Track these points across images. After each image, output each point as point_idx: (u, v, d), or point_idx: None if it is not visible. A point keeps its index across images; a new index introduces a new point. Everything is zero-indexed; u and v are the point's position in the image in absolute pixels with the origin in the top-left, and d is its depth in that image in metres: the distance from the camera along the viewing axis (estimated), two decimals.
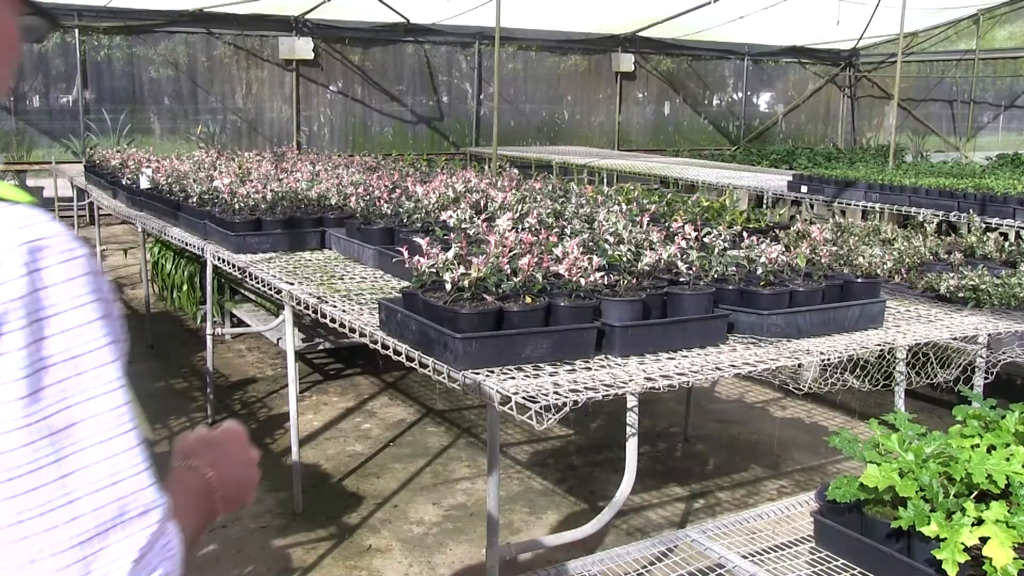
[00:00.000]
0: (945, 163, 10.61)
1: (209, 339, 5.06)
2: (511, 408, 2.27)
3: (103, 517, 0.85)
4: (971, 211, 6.04)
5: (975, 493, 2.04)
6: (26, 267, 0.84)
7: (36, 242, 0.85)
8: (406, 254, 2.78)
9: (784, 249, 3.22)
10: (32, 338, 0.84)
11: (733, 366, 2.62)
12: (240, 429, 1.26)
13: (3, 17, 0.98)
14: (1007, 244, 4.16)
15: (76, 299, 0.88)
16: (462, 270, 2.60)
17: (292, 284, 3.52)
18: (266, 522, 3.89)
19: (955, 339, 3.16)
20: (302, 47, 12.79)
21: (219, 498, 1.17)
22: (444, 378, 2.51)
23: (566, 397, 2.29)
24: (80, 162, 10.00)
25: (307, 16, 12.69)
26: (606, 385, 2.39)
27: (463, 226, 3.37)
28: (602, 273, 2.72)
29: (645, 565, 2.33)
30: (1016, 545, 1.89)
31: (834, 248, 3.40)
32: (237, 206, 4.68)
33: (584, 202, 4.38)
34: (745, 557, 2.26)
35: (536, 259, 2.73)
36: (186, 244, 5.09)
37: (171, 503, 0.92)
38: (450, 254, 2.69)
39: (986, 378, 3.29)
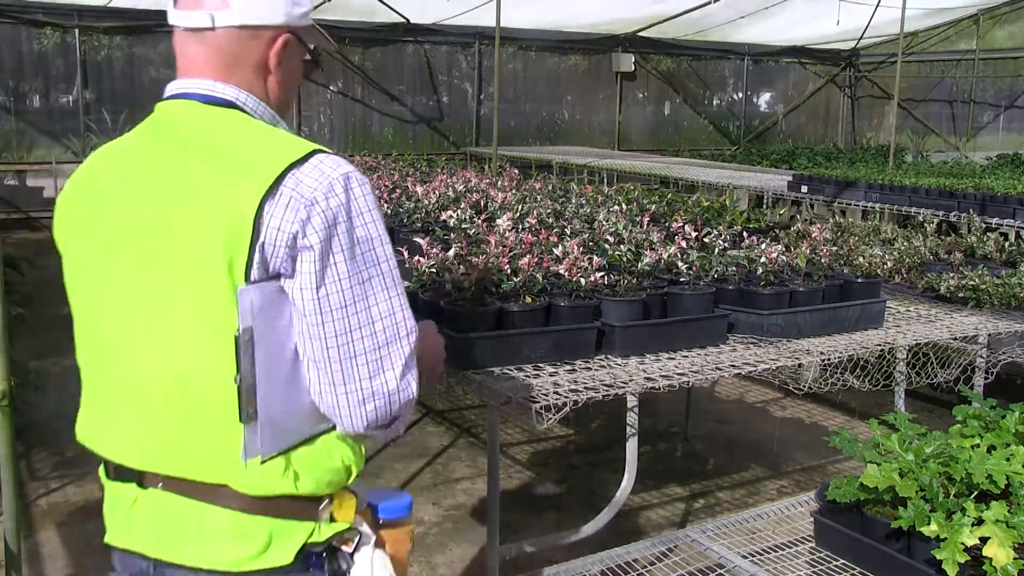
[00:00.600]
0: (945, 163, 10.61)
1: None
2: (511, 408, 2.27)
3: (389, 333, 1.42)
4: (971, 211, 6.04)
5: (975, 493, 2.04)
6: (344, 188, 1.39)
7: (348, 173, 1.40)
8: (406, 254, 2.78)
9: (784, 249, 3.22)
10: (349, 226, 1.38)
11: (733, 366, 2.62)
12: (432, 322, 1.76)
13: (296, 62, 1.62)
14: (1007, 244, 4.16)
15: (370, 208, 1.41)
16: (463, 270, 2.60)
17: None
18: None
19: (955, 339, 3.16)
20: None
21: (424, 363, 1.58)
22: (444, 378, 2.51)
23: (566, 397, 2.29)
24: (80, 162, 10.01)
25: None
26: (606, 385, 2.39)
27: (463, 226, 3.38)
28: (602, 273, 2.73)
29: (645, 565, 2.33)
30: (1016, 545, 1.89)
31: (834, 248, 3.40)
32: None
33: (584, 202, 4.39)
34: (745, 557, 2.26)
35: (536, 259, 2.73)
36: None
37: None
38: (450, 253, 2.69)
39: (986, 378, 3.28)
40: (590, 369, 2.54)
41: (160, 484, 1.44)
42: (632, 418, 2.50)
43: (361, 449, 1.51)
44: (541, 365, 2.54)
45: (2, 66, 11.43)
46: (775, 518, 2.49)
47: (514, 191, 4.46)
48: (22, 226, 11.68)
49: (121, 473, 1.50)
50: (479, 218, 3.62)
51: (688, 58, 16.20)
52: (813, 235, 3.45)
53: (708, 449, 4.90)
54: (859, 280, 3.16)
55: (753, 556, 2.27)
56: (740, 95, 17.04)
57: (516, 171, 5.57)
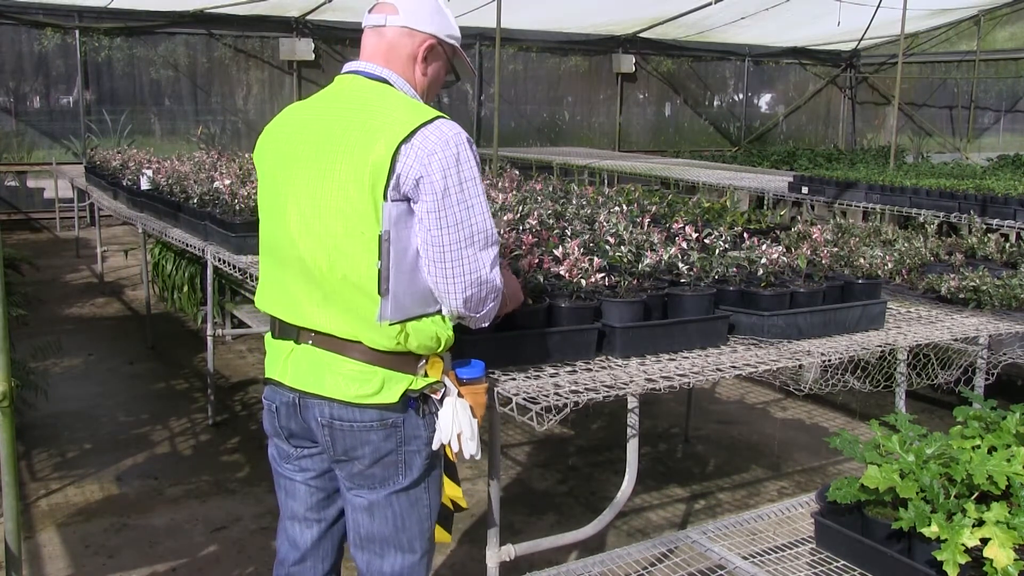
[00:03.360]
0: (946, 164, 10.61)
1: (210, 340, 5.06)
2: (512, 409, 2.27)
3: (482, 241, 2.02)
4: (972, 212, 6.04)
5: (976, 494, 2.04)
6: (456, 144, 1.99)
7: (459, 133, 2.01)
8: None
9: (785, 250, 3.22)
10: (458, 170, 1.98)
11: (734, 367, 2.62)
12: (508, 266, 2.50)
13: (438, 64, 2.22)
14: (1008, 245, 4.16)
15: (471, 158, 2.01)
16: None
17: None
18: (267, 523, 3.89)
19: (956, 340, 3.16)
20: (303, 48, 12.80)
21: (505, 294, 2.19)
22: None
23: (567, 398, 2.29)
24: (81, 163, 10.01)
25: (307, 17, 12.70)
26: (607, 386, 2.39)
27: None
28: (603, 274, 2.72)
29: (646, 566, 2.33)
30: (1017, 546, 1.89)
31: (835, 249, 3.40)
32: (238, 207, 4.68)
33: (585, 203, 4.38)
34: (746, 558, 2.26)
35: (537, 260, 2.73)
36: (187, 245, 5.09)
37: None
38: None
39: (987, 379, 3.28)
40: (591, 370, 2.54)
41: (311, 340, 2.08)
42: (633, 419, 2.50)
43: (450, 331, 2.09)
44: (542, 366, 2.54)
45: (3, 67, 11.43)
46: (776, 519, 2.48)
47: (515, 192, 4.46)
48: (22, 227, 11.69)
49: (284, 331, 2.13)
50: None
51: (689, 59, 16.21)
52: (814, 236, 3.45)
53: (709, 450, 4.90)
54: (860, 281, 3.16)
55: (754, 557, 2.27)
56: (741, 96, 17.04)
57: (517, 172, 5.56)
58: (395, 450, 2.08)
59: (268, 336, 2.21)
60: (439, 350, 2.08)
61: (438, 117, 2.00)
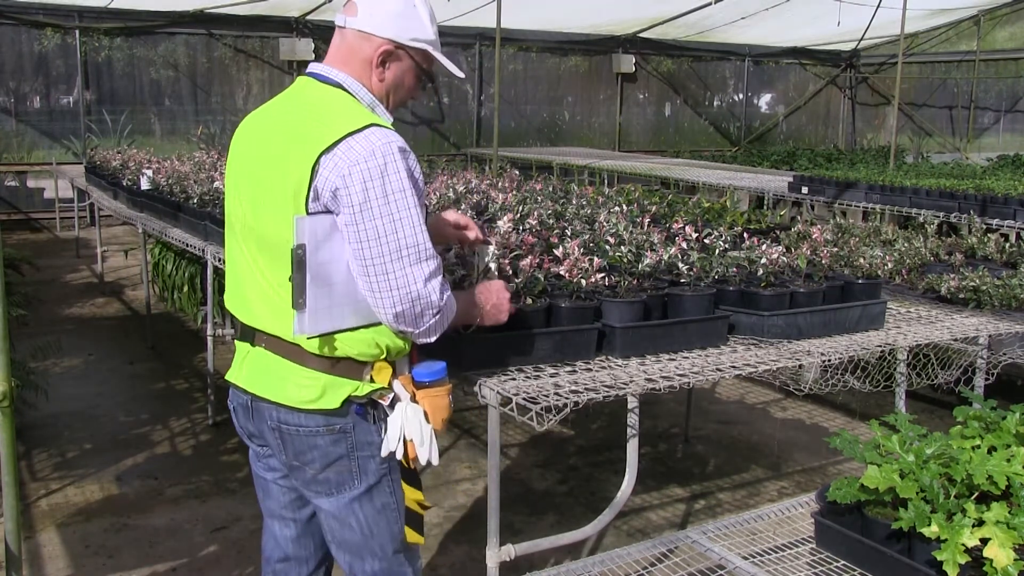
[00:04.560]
0: (946, 164, 10.61)
1: (210, 340, 5.06)
2: (512, 409, 2.27)
3: (414, 256, 1.93)
4: (972, 212, 6.04)
5: (976, 494, 2.04)
6: (383, 153, 1.90)
7: (390, 143, 1.92)
8: None
9: (785, 250, 3.22)
10: (384, 181, 1.89)
11: (734, 367, 2.62)
12: (502, 282, 2.36)
13: (401, 71, 2.13)
14: (1008, 245, 4.16)
15: (399, 169, 1.91)
16: (463, 272, 2.60)
17: None
18: None
19: (956, 340, 3.16)
20: (303, 48, 12.79)
21: (481, 309, 2.24)
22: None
23: (567, 398, 2.29)
24: (81, 163, 10.01)
25: (307, 17, 12.69)
26: (607, 386, 2.39)
27: (474, 251, 3.37)
28: (603, 274, 2.72)
29: (645, 566, 2.33)
30: (1017, 546, 1.89)
31: (835, 249, 3.40)
32: None
33: (585, 203, 4.38)
34: (746, 558, 2.26)
35: (537, 260, 2.73)
36: (187, 245, 5.09)
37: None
38: (451, 255, 2.69)
39: (987, 379, 3.28)
40: (591, 370, 2.54)
41: (263, 344, 2.07)
42: (633, 419, 2.50)
43: (398, 340, 2.05)
44: (542, 366, 2.54)
45: (3, 67, 11.43)
46: (776, 519, 2.48)
47: (515, 192, 4.46)
48: (22, 227, 11.68)
49: (244, 334, 2.14)
50: (480, 219, 3.62)
51: (689, 59, 16.20)
52: (814, 236, 3.45)
53: (709, 450, 4.90)
54: (860, 281, 3.16)
55: (754, 557, 2.27)
56: (741, 96, 17.04)
57: (517, 172, 5.56)
58: (346, 455, 2.05)
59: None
60: (384, 357, 2.05)
61: (371, 125, 1.93)
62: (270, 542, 2.34)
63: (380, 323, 2.01)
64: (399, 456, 2.04)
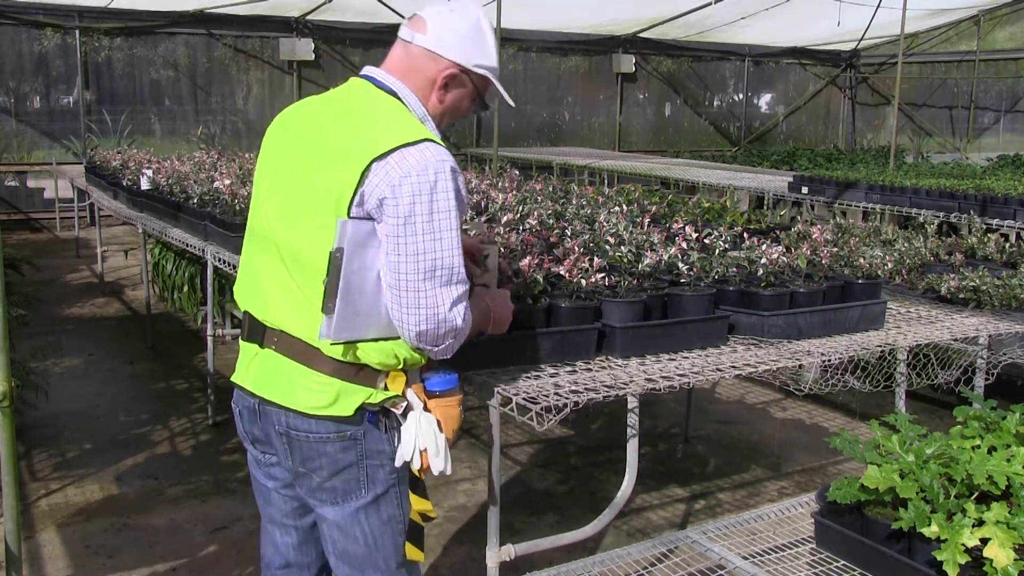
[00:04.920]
0: (946, 164, 10.61)
1: (210, 340, 5.06)
2: (512, 409, 2.27)
3: (445, 278, 1.91)
4: (972, 212, 6.04)
5: (976, 494, 2.04)
6: (435, 171, 1.88)
7: (443, 161, 1.90)
8: None
9: (785, 250, 3.22)
10: (432, 199, 1.87)
11: (734, 367, 2.62)
12: (507, 292, 2.38)
13: (461, 94, 2.11)
14: (1008, 245, 4.16)
15: (448, 189, 1.89)
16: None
17: None
18: None
19: (956, 340, 3.15)
20: (303, 48, 12.79)
21: (491, 318, 2.25)
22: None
23: (567, 398, 2.29)
24: (81, 163, 10.01)
25: (308, 17, 12.69)
26: (607, 386, 2.39)
27: (464, 227, 3.37)
28: (603, 274, 2.72)
29: (645, 566, 2.33)
30: (1017, 546, 1.89)
31: (835, 249, 3.40)
32: (238, 207, 4.68)
33: (585, 203, 4.38)
34: (746, 558, 2.26)
35: (537, 260, 2.73)
36: (187, 245, 5.09)
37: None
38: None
39: (987, 379, 3.28)
40: (591, 370, 2.54)
41: (274, 345, 2.02)
42: (633, 419, 2.50)
43: (414, 352, 2.01)
44: (542, 366, 2.54)
45: (3, 67, 11.43)
46: (776, 519, 2.48)
47: (515, 192, 4.46)
48: (22, 227, 11.69)
49: (252, 332, 2.08)
50: (480, 219, 3.62)
51: (689, 59, 16.20)
52: (814, 236, 3.45)
53: (709, 450, 4.90)
54: (860, 281, 3.16)
55: (754, 557, 2.27)
56: (741, 96, 17.04)
57: (517, 172, 5.56)
58: (355, 463, 2.01)
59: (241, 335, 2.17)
60: (400, 367, 2.01)
61: (425, 140, 1.91)
62: (270, 548, 2.28)
63: (399, 337, 1.97)
64: (415, 466, 2.01)
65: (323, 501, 2.07)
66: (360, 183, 1.86)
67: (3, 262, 2.09)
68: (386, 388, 2.00)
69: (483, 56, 2.08)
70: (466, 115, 2.20)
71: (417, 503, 2.10)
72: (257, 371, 2.06)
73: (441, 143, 1.95)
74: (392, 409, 2.00)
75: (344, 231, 1.86)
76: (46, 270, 8.87)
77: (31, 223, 11.82)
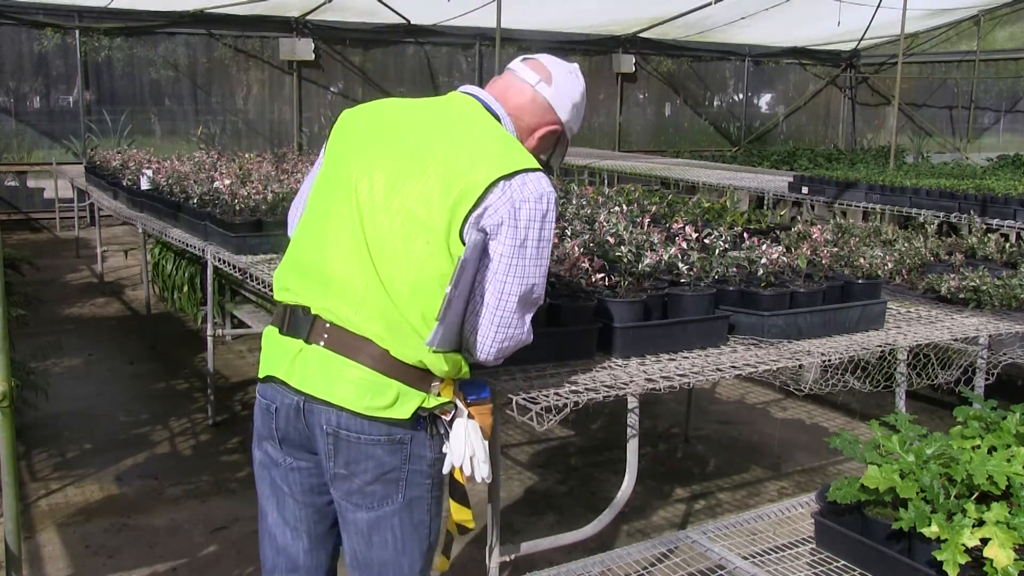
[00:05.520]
0: (946, 164, 10.61)
1: (210, 340, 5.06)
2: (512, 409, 2.27)
3: (532, 301, 2.02)
4: (972, 212, 6.04)
5: (976, 494, 2.04)
6: (547, 201, 1.94)
7: (552, 192, 1.96)
8: None
9: (785, 250, 3.22)
10: (542, 226, 1.94)
11: (734, 367, 2.62)
12: None
13: (548, 143, 2.22)
14: (1008, 245, 4.16)
15: (552, 219, 1.95)
16: None
17: None
18: None
19: (956, 340, 3.16)
20: (303, 48, 12.79)
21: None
22: None
23: (567, 398, 2.29)
24: (81, 163, 10.00)
25: (308, 17, 12.69)
26: (607, 386, 2.39)
27: None
28: (603, 274, 2.72)
29: (645, 566, 2.33)
30: (1017, 546, 1.89)
31: (835, 249, 3.40)
32: (238, 207, 4.68)
33: (585, 203, 4.39)
34: (746, 558, 2.26)
35: None
36: (187, 245, 5.09)
37: None
38: None
39: (987, 379, 3.28)
40: (591, 370, 2.54)
41: (323, 341, 1.97)
42: (633, 419, 2.50)
43: (467, 363, 2.06)
44: (542, 366, 2.54)
45: (3, 67, 11.43)
46: (776, 519, 2.48)
47: None
48: (22, 227, 11.69)
49: (295, 326, 2.01)
50: None
51: (689, 59, 16.20)
52: (814, 236, 3.45)
53: (709, 450, 4.90)
54: (860, 281, 3.16)
55: (754, 557, 2.27)
56: (741, 96, 17.04)
57: None
58: (399, 467, 1.99)
59: (270, 330, 2.08)
60: (455, 375, 2.03)
61: (540, 169, 1.98)
62: (271, 551, 2.18)
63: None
64: (467, 472, 2.01)
65: (358, 505, 2.02)
66: (484, 196, 1.89)
67: (3, 262, 2.09)
68: (439, 394, 2.00)
69: (576, 122, 2.22)
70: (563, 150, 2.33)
71: (457, 511, 2.11)
72: (304, 367, 1.98)
73: (544, 171, 2.02)
74: (441, 416, 2.01)
75: (472, 239, 1.90)
76: (46, 270, 8.87)
77: (31, 223, 11.82)
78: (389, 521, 2.02)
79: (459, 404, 2.02)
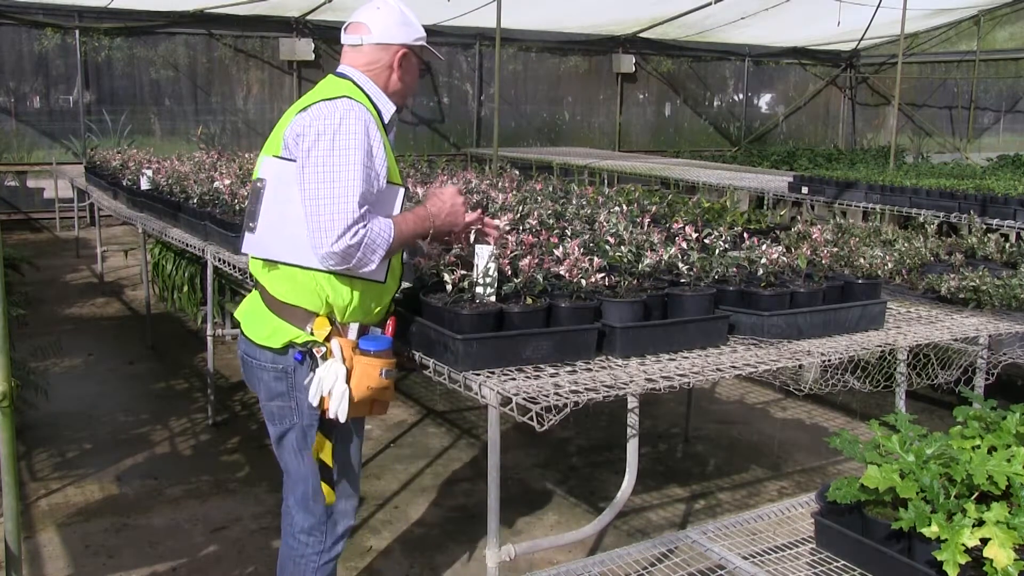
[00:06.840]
0: (946, 164, 10.61)
1: (210, 340, 5.06)
2: (512, 409, 2.27)
3: (344, 202, 2.28)
4: (972, 212, 6.04)
5: (976, 494, 2.04)
6: (341, 118, 2.32)
7: (350, 111, 2.32)
8: (406, 255, 2.78)
9: (785, 250, 3.22)
10: (334, 140, 2.30)
11: (734, 367, 2.62)
12: (454, 188, 2.65)
13: (412, 66, 2.58)
14: (1008, 245, 4.16)
15: (352, 134, 2.31)
16: (463, 271, 2.60)
17: None
18: (267, 523, 3.89)
19: (956, 340, 3.16)
20: (303, 48, 12.79)
21: (434, 219, 2.55)
22: (445, 379, 2.51)
23: (567, 398, 2.29)
24: (81, 163, 10.00)
25: (307, 17, 12.69)
26: (607, 386, 2.39)
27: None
28: (603, 274, 2.72)
29: (645, 566, 2.33)
30: (1017, 546, 1.89)
31: (835, 249, 3.40)
32: (238, 207, 4.68)
33: (585, 203, 4.38)
34: (746, 558, 2.26)
35: (537, 260, 2.73)
36: (187, 245, 5.09)
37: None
38: (451, 255, 2.69)
39: (987, 379, 3.28)
40: (591, 370, 2.54)
41: (256, 287, 2.51)
42: (633, 419, 2.50)
43: (344, 298, 2.39)
44: (542, 366, 2.54)
45: (3, 67, 11.43)
46: (776, 519, 2.48)
47: (514, 192, 4.46)
48: (22, 227, 11.68)
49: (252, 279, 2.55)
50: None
51: (689, 59, 16.20)
52: (814, 236, 3.45)
53: (709, 450, 4.90)
54: (860, 281, 3.16)
55: (754, 557, 2.27)
56: (741, 96, 17.04)
57: (517, 172, 5.56)
58: (286, 393, 2.43)
59: None
60: (325, 312, 2.38)
61: (344, 96, 2.35)
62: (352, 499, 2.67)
63: (318, 270, 2.35)
64: (314, 404, 2.33)
65: (269, 420, 2.52)
66: (287, 130, 2.35)
67: (3, 262, 2.09)
68: (311, 333, 2.37)
69: (415, 31, 2.55)
70: (418, 82, 2.67)
71: (319, 443, 2.43)
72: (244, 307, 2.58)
73: (360, 100, 2.39)
74: (314, 351, 2.36)
75: (270, 167, 2.37)
76: (46, 270, 8.86)
77: (31, 223, 11.82)
78: (289, 436, 2.48)
79: (336, 347, 2.34)
